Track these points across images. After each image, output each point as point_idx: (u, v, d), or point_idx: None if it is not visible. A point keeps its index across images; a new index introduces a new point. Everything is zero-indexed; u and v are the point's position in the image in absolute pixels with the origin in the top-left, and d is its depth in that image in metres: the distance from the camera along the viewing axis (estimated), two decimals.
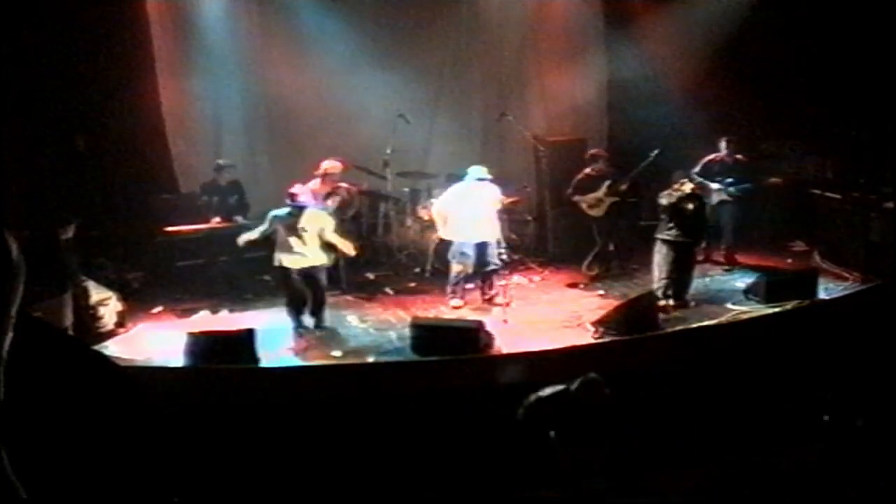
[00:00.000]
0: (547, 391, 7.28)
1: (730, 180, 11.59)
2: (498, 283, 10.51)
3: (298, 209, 9.67)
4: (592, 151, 11.95)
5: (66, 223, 9.42)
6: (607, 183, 11.51)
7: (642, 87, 13.13)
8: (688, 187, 10.30)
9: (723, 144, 11.73)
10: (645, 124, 12.72)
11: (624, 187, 11.49)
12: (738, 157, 11.77)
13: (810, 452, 7.23)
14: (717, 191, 11.60)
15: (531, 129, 13.07)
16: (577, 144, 13.01)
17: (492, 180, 10.61)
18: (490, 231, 10.50)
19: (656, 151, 11.24)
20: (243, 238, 9.92)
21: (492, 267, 10.51)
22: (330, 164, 11.17)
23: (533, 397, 7.32)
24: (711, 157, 11.69)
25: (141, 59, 11.93)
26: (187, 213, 11.41)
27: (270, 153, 13.02)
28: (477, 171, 10.52)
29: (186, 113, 12.47)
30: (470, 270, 10.54)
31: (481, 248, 10.46)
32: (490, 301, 10.53)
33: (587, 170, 11.68)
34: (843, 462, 6.80)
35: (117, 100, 11.52)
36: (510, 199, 11.92)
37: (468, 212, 10.38)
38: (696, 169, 11.45)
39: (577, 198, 11.64)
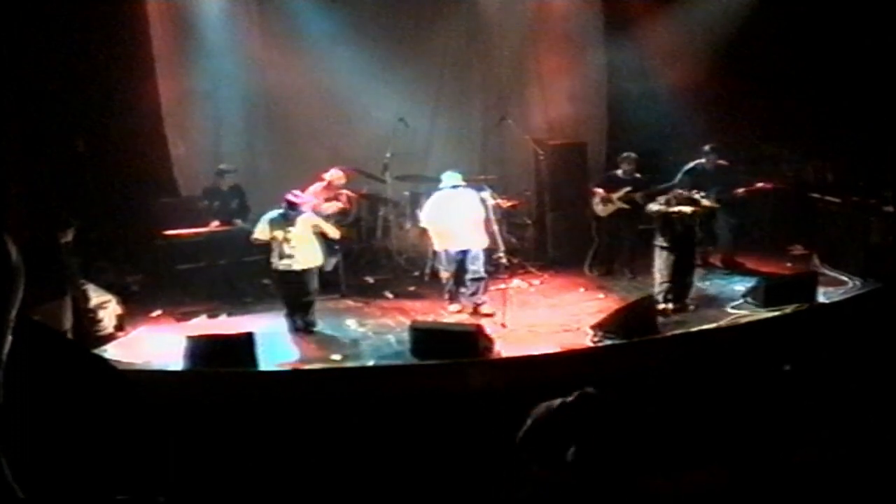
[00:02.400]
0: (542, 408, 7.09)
1: (715, 187, 11.50)
2: (482, 294, 10.33)
3: (294, 213, 9.73)
4: (624, 154, 11.88)
5: (65, 226, 9.40)
6: (626, 189, 11.53)
7: (643, 89, 13.13)
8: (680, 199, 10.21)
9: (706, 150, 11.63)
10: (645, 126, 12.73)
11: (638, 198, 11.48)
12: (721, 162, 11.71)
13: (810, 455, 7.22)
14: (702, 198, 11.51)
15: (531, 131, 13.06)
16: (577, 148, 13.02)
17: (469, 185, 10.52)
18: (473, 239, 10.26)
19: (680, 175, 11.20)
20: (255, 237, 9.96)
21: (474, 276, 10.28)
22: (334, 175, 11.20)
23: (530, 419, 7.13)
24: (693, 164, 11.56)
25: (141, 59, 11.93)
26: (187, 217, 11.40)
27: (271, 154, 13.02)
28: (450, 177, 10.40)
29: (186, 114, 12.47)
30: (452, 277, 10.35)
31: (463, 255, 10.25)
32: (476, 311, 10.30)
33: (618, 171, 11.75)
34: (844, 467, 6.79)
35: (117, 100, 11.51)
36: (510, 203, 11.93)
37: (450, 220, 10.24)
38: (678, 176, 11.26)
39: (596, 189, 11.72)
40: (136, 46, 11.86)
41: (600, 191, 11.69)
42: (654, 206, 10.24)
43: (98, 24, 11.20)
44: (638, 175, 11.63)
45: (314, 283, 9.96)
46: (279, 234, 9.71)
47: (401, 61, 12.88)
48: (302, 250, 9.75)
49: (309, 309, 9.97)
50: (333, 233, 10.12)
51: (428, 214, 10.48)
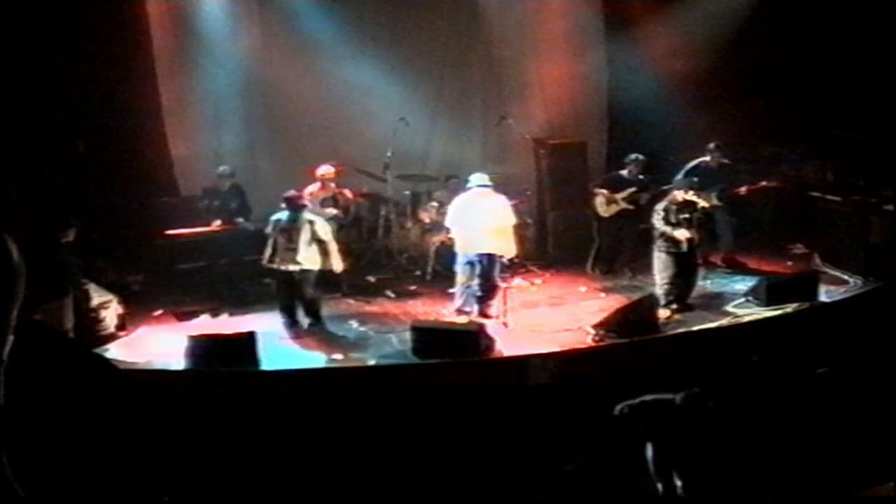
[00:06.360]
0: (650, 397, 7.16)
1: (718, 186, 11.48)
2: (492, 301, 10.12)
3: (295, 213, 9.75)
4: (632, 156, 11.75)
5: (66, 226, 9.41)
6: (630, 189, 11.51)
7: (643, 89, 13.11)
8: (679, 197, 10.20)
9: (710, 148, 11.61)
10: (645, 125, 12.71)
11: (642, 200, 11.42)
12: (723, 161, 11.69)
13: (810, 451, 7.22)
14: (704, 197, 11.50)
15: (531, 131, 13.06)
16: (578, 148, 13.00)
17: (494, 186, 10.36)
18: (493, 244, 10.03)
19: (681, 175, 11.18)
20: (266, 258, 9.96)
21: (492, 284, 10.10)
22: (324, 170, 11.21)
23: (637, 400, 7.16)
24: (695, 162, 11.53)
25: (141, 59, 11.93)
26: (187, 216, 11.40)
27: (271, 154, 13.01)
28: (478, 178, 10.25)
29: (186, 114, 12.46)
30: (473, 283, 10.12)
31: (482, 260, 10.01)
32: (484, 314, 10.10)
33: (623, 171, 11.72)
34: (842, 460, 6.80)
35: (117, 101, 11.52)
36: (510, 203, 11.90)
37: (472, 222, 10.04)
38: (680, 175, 11.13)
39: (597, 189, 11.71)
40: (136, 46, 11.86)
41: (604, 191, 11.67)
42: (658, 224, 10.16)
43: (98, 25, 11.20)
44: (642, 177, 11.61)
45: (312, 285, 9.93)
46: (281, 232, 9.74)
47: (401, 61, 12.87)
48: (303, 251, 9.75)
49: (315, 310, 10.00)
50: (337, 265, 10.04)
51: (451, 215, 10.28)
